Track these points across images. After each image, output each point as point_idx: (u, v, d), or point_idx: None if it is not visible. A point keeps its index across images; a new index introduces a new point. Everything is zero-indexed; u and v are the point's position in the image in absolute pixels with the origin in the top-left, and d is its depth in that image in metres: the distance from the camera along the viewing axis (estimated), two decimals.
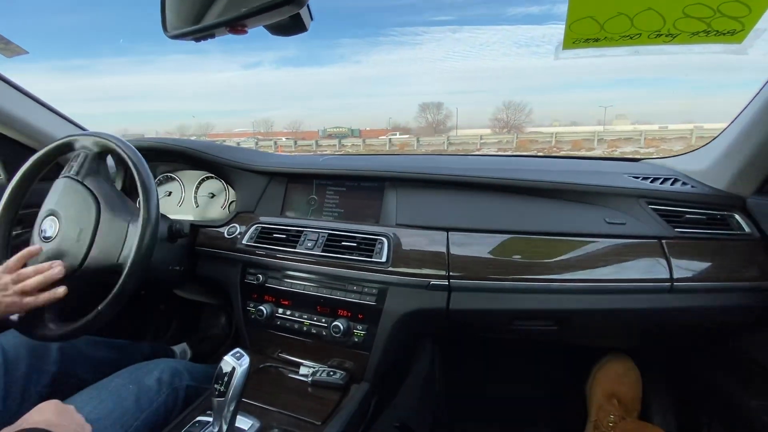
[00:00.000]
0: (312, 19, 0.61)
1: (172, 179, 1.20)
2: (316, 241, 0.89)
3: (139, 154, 0.79)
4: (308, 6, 0.58)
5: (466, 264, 0.81)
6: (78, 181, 0.79)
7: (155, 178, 1.19)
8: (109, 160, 0.87)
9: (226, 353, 0.61)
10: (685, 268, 0.77)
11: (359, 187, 0.99)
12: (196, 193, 1.16)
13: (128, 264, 0.72)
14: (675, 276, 0.76)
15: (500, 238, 0.83)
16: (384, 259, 0.82)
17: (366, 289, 0.83)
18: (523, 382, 1.35)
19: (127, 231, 0.76)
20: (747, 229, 0.81)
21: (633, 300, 0.78)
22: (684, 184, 0.89)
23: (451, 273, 0.80)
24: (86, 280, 0.76)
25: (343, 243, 0.87)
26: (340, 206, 1.00)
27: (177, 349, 1.28)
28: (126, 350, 1.07)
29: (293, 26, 0.62)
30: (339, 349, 0.86)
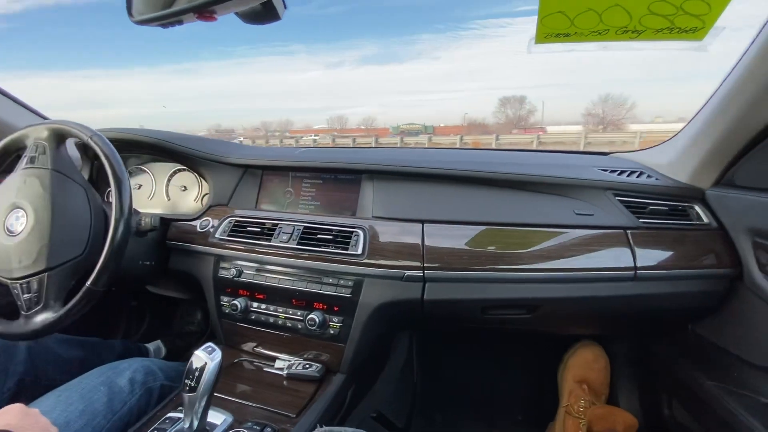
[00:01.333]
0: (285, 7, 0.60)
1: (143, 171, 1.16)
2: (291, 234, 0.88)
3: (111, 145, 0.76)
4: None
5: (441, 255, 0.82)
6: (56, 171, 0.75)
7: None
8: (72, 151, 0.83)
9: None
10: (648, 256, 0.81)
11: (336, 179, 0.99)
12: (167, 185, 1.13)
13: (100, 260, 0.70)
14: (638, 264, 0.80)
15: (474, 229, 0.85)
16: (360, 252, 0.82)
17: (342, 282, 0.83)
18: (498, 369, 1.38)
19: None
20: (705, 220, 0.85)
21: (600, 288, 0.81)
22: (648, 176, 0.92)
23: (426, 264, 0.81)
24: (57, 275, 0.73)
25: (318, 236, 0.87)
26: (316, 199, 0.99)
27: (151, 346, 1.25)
28: (97, 349, 1.03)
29: (265, 14, 0.60)
30: (315, 341, 0.86)
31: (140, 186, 1.14)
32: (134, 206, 0.97)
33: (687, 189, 0.87)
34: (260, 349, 0.90)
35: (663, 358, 1.03)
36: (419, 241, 0.83)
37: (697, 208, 0.86)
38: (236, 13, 0.61)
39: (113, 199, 0.71)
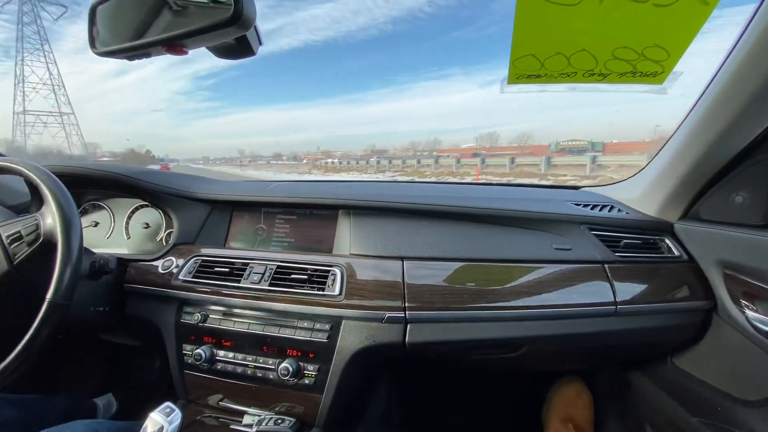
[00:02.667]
0: (261, 43, 0.59)
1: (101, 208, 1.08)
2: (263, 274, 0.82)
3: (59, 182, 0.70)
4: (256, 29, 0.56)
5: (422, 293, 0.78)
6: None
7: (79, 207, 1.07)
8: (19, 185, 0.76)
9: (161, 404, 0.53)
10: (627, 290, 0.81)
11: (311, 215, 0.95)
12: (127, 223, 1.05)
13: (42, 310, 0.62)
14: (618, 299, 0.79)
15: (455, 265, 0.83)
16: (337, 292, 0.78)
17: (317, 325, 0.78)
18: (481, 410, 1.33)
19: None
20: (676, 252, 0.87)
21: (583, 324, 0.79)
22: (619, 210, 0.94)
23: (407, 304, 0.77)
24: None
25: (292, 275, 0.82)
26: (290, 236, 0.95)
27: (100, 402, 1.12)
28: (36, 408, 0.91)
29: (240, 49, 0.59)
30: (288, 392, 0.78)
31: (97, 223, 1.06)
32: (89, 246, 0.89)
33: (656, 222, 0.90)
34: (226, 403, 0.82)
35: (645, 392, 1.01)
36: (400, 279, 0.80)
37: (667, 241, 0.88)
38: (209, 48, 0.60)
39: (59, 242, 0.64)
